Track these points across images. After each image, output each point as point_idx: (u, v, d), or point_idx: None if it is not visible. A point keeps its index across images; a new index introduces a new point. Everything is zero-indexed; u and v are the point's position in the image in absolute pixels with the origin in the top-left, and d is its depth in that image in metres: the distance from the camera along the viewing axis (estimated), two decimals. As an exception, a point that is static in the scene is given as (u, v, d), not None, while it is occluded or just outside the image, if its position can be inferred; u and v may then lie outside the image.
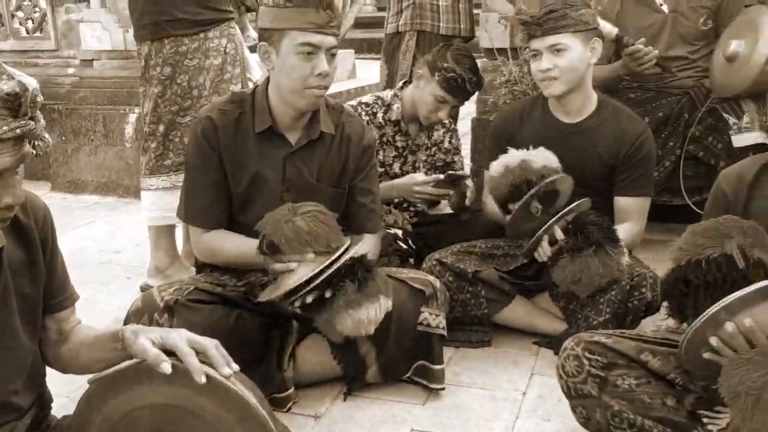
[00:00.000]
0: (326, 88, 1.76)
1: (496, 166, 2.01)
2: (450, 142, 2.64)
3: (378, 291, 1.59)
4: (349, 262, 1.57)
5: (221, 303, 1.80)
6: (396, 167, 2.55)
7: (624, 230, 1.99)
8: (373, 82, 6.22)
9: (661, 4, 2.69)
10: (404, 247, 2.48)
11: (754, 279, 1.17)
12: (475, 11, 3.42)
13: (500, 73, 3.04)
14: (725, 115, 2.52)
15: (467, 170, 2.89)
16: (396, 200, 2.58)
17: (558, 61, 2.04)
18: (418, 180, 2.35)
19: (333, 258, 1.56)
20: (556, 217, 1.91)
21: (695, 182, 2.68)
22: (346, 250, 1.60)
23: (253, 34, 7.36)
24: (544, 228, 1.90)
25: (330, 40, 1.72)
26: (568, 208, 1.92)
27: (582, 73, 2.08)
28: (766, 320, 1.14)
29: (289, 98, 1.77)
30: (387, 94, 2.52)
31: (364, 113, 2.45)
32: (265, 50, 1.76)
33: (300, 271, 1.59)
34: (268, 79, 1.84)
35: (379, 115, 2.47)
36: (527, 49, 2.20)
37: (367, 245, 1.88)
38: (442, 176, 2.35)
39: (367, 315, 1.56)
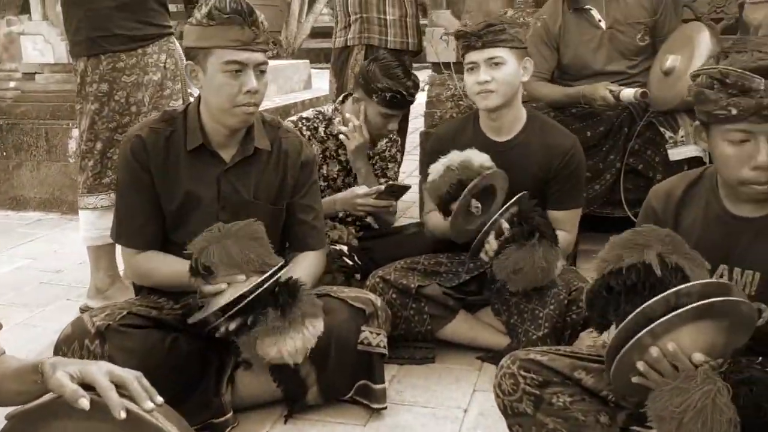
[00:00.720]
0: (256, 104, 1.74)
1: (437, 167, 2.03)
2: (389, 151, 2.66)
3: (304, 316, 1.57)
4: (271, 287, 1.54)
5: (156, 327, 1.76)
6: (340, 181, 2.54)
7: (559, 238, 2.02)
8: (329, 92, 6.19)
9: (599, 20, 2.74)
10: (350, 263, 2.46)
11: (672, 284, 1.18)
12: (423, 22, 3.45)
13: (446, 87, 3.07)
14: (662, 129, 2.58)
15: (406, 181, 2.92)
16: (341, 215, 2.57)
17: (495, 74, 2.06)
18: (360, 192, 2.36)
19: (262, 278, 1.53)
20: (502, 210, 1.95)
21: (636, 195, 2.72)
22: (278, 270, 1.58)
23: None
24: (490, 222, 1.94)
25: (257, 57, 1.70)
26: (511, 201, 1.96)
27: (515, 89, 2.11)
28: (688, 343, 1.16)
29: (219, 116, 1.75)
30: (328, 109, 2.52)
31: (305, 128, 2.44)
32: (191, 69, 1.74)
33: (229, 292, 1.56)
34: (200, 97, 1.82)
35: (321, 129, 2.47)
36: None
37: (304, 265, 1.86)
38: (383, 187, 2.35)
39: (294, 344, 1.54)
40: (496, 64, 2.06)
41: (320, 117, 2.48)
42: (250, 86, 1.69)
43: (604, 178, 2.75)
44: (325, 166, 2.49)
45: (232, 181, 1.83)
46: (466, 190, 1.93)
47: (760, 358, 1.17)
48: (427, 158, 2.28)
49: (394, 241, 2.53)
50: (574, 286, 1.96)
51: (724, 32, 3.01)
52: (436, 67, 3.25)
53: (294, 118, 2.52)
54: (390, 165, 2.67)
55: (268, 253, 1.62)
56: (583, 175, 2.22)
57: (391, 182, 2.42)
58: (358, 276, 2.46)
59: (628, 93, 2.53)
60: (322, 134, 2.47)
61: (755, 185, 1.29)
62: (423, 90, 3.20)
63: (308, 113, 2.54)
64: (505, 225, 1.94)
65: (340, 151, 2.52)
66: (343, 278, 2.31)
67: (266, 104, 6.79)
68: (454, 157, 2.03)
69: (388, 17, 3.26)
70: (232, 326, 1.56)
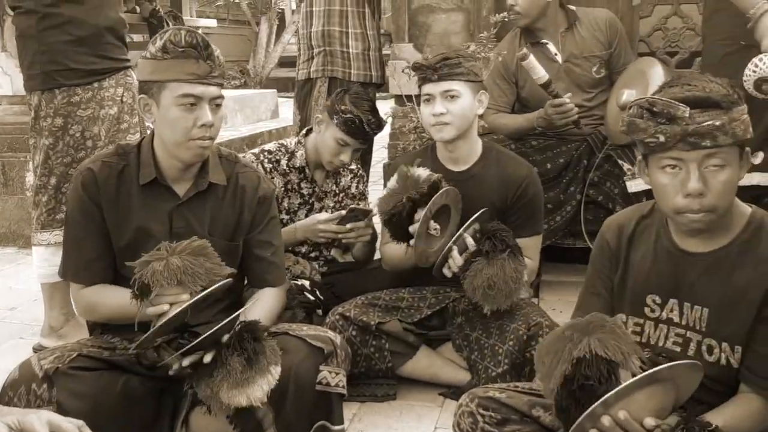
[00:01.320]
0: (211, 138, 1.72)
1: (389, 184, 2.04)
2: (357, 188, 2.64)
3: (269, 363, 1.54)
4: (228, 327, 1.51)
5: (108, 368, 1.70)
6: (302, 214, 2.52)
7: None
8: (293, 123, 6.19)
9: (556, 54, 2.79)
10: (311, 298, 2.43)
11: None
12: (386, 52, 3.47)
13: (409, 119, 3.08)
14: (620, 162, 2.62)
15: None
16: (304, 250, 2.55)
17: (451, 107, 2.09)
18: (322, 218, 2.34)
19: (203, 294, 1.50)
20: (465, 225, 1.94)
21: (596, 226, 2.69)
22: (223, 284, 1.55)
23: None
24: (455, 237, 1.93)
25: (213, 91, 1.69)
26: (473, 217, 1.97)
27: (471, 121, 2.14)
28: (639, 408, 1.18)
29: (173, 150, 1.72)
30: (291, 141, 2.51)
31: (267, 161, 2.42)
32: (145, 103, 1.71)
33: (172, 311, 1.52)
34: (154, 131, 1.79)
35: (283, 162, 2.45)
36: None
37: (263, 302, 1.83)
38: (344, 212, 2.34)
39: (261, 390, 1.51)
40: (452, 96, 2.09)
41: (282, 150, 2.47)
42: (204, 120, 1.68)
43: (564, 209, 2.78)
44: (286, 199, 2.48)
45: (185, 217, 1.80)
46: (425, 210, 1.92)
47: (714, 426, 1.19)
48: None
49: (358, 275, 2.51)
50: (533, 321, 1.96)
51: (678, 66, 3.10)
52: (399, 99, 3.27)
53: (256, 150, 2.50)
54: (362, 204, 2.64)
55: (217, 265, 1.59)
56: (540, 203, 2.24)
57: (352, 206, 2.41)
58: (320, 311, 2.43)
59: (530, 70, 2.58)
60: (285, 167, 2.46)
61: (688, 213, 1.31)
62: (385, 122, 3.22)
63: (270, 146, 2.52)
64: (470, 240, 1.95)
65: (302, 185, 2.50)
66: (304, 314, 2.27)
67: (233, 134, 6.78)
68: (397, 176, 2.03)
69: (351, 50, 3.28)
70: (186, 362, 1.51)
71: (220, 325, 1.50)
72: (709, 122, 1.26)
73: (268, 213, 1.92)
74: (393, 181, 2.05)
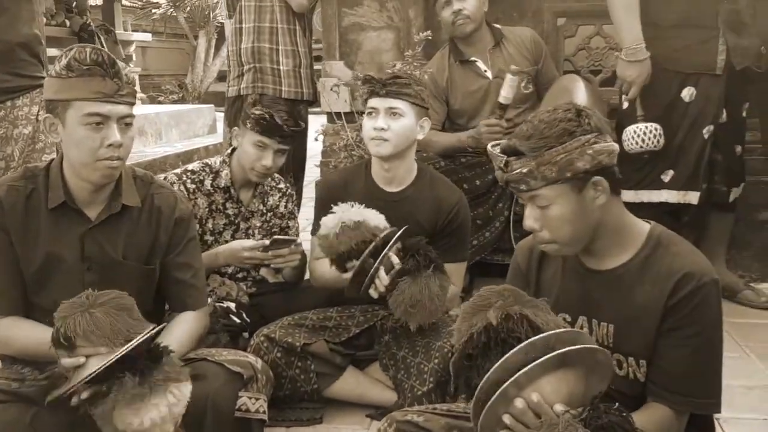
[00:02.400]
0: (120, 158, 1.67)
1: (331, 220, 2.00)
2: (286, 207, 2.60)
3: (167, 380, 1.48)
4: (133, 353, 1.46)
5: (17, 401, 1.63)
6: (227, 235, 2.46)
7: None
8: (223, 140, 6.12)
9: (485, 70, 2.84)
10: (237, 321, 2.38)
11: (521, 334, 1.21)
12: (317, 67, 3.46)
13: (340, 137, 3.07)
14: (545, 178, 2.67)
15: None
16: (231, 270, 2.49)
17: (393, 124, 2.09)
18: (246, 245, 2.29)
19: (126, 348, 1.44)
20: (389, 245, 1.92)
21: (525, 241, 2.80)
22: (146, 336, 1.49)
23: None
24: (379, 258, 1.91)
25: (121, 110, 1.64)
26: (396, 236, 1.95)
27: (409, 143, 2.14)
28: (550, 393, 1.18)
29: (81, 171, 1.66)
30: (215, 161, 2.46)
31: (189, 181, 2.37)
32: (51, 122, 1.65)
33: (91, 364, 1.46)
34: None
35: (207, 182, 2.40)
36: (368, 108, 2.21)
37: (182, 327, 1.78)
38: (267, 242, 2.30)
39: (158, 411, 1.44)
40: (395, 114, 2.10)
41: (207, 170, 2.42)
42: (112, 140, 1.62)
43: (493, 225, 2.81)
44: (211, 220, 2.42)
45: (98, 240, 1.73)
46: (368, 255, 1.91)
47: (617, 404, 1.20)
48: (319, 206, 2.26)
49: (288, 295, 2.46)
50: (457, 339, 1.96)
51: (602, 84, 3.19)
52: (331, 116, 3.26)
53: (179, 170, 2.44)
54: (290, 224, 2.59)
55: (139, 323, 1.53)
56: (468, 231, 2.27)
57: (276, 237, 2.36)
58: (246, 335, 2.38)
59: (504, 91, 2.63)
60: (209, 187, 2.41)
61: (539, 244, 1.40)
62: (317, 140, 3.21)
63: (194, 165, 2.46)
64: (394, 259, 1.93)
65: (227, 205, 2.45)
66: (228, 338, 2.22)
67: (167, 150, 6.65)
68: (349, 213, 2.00)
69: (281, 67, 3.25)
70: (85, 394, 1.45)
71: (121, 351, 1.45)
72: (518, 170, 1.32)
73: (186, 234, 1.86)
74: (334, 220, 2.00)
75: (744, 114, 2.72)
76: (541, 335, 1.19)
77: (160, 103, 12.33)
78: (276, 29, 3.24)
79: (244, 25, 3.29)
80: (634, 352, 1.38)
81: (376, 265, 1.92)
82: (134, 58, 8.50)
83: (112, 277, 1.65)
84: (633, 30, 2.43)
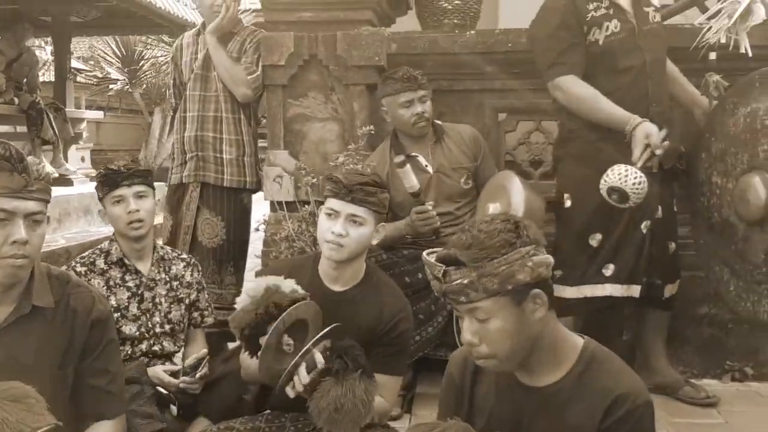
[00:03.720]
0: (26, 256, 1.59)
1: (243, 298, 1.91)
2: (192, 276, 2.55)
3: None
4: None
5: None
6: (133, 308, 2.40)
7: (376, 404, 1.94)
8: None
9: (426, 165, 2.86)
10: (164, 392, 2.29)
11: None
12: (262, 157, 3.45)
13: (282, 227, 3.03)
14: (485, 274, 2.66)
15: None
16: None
17: (352, 231, 2.04)
18: (159, 375, 2.26)
19: None
20: (314, 340, 1.83)
21: (467, 336, 2.76)
22: None
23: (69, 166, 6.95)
24: (301, 352, 1.81)
25: (29, 206, 1.58)
26: (324, 332, 1.86)
27: (364, 248, 2.10)
28: None
29: None
30: (105, 243, 2.45)
31: (79, 265, 2.36)
32: None
33: None
34: None
35: (99, 261, 2.39)
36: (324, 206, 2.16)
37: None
38: (178, 368, 2.30)
39: None
40: (355, 221, 2.05)
41: (97, 251, 2.42)
42: (16, 236, 1.55)
43: (436, 320, 2.77)
44: (112, 297, 2.36)
45: (6, 344, 1.63)
46: (276, 321, 1.81)
47: None
48: None
49: (221, 382, 2.36)
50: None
51: (542, 178, 3.25)
52: (274, 205, 3.23)
53: (72, 263, 2.42)
54: (200, 296, 2.56)
55: (33, 415, 1.41)
56: (407, 344, 2.19)
57: (187, 363, 2.31)
58: (174, 408, 2.28)
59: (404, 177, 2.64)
60: (102, 266, 2.39)
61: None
62: (257, 230, 3.16)
63: (85, 253, 2.45)
64: (318, 357, 1.83)
65: (126, 278, 2.41)
66: (152, 391, 2.16)
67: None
68: (261, 283, 1.93)
69: (225, 156, 3.25)
70: None
71: None
72: (458, 281, 1.30)
73: (104, 337, 1.77)
74: (244, 295, 1.94)
75: (675, 209, 2.80)
76: None
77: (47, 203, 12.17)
78: (220, 118, 3.26)
79: (188, 114, 3.30)
80: None
81: (296, 359, 1.81)
82: (85, 135, 8.42)
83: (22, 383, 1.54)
84: (619, 110, 2.47)
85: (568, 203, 2.61)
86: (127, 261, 2.40)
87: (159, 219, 3.09)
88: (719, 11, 2.46)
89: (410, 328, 2.16)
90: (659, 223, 2.69)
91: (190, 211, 3.25)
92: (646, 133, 2.41)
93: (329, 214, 2.07)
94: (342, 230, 2.03)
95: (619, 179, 2.35)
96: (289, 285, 1.92)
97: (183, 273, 2.52)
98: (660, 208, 2.69)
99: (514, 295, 1.30)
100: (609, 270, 2.61)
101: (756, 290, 2.39)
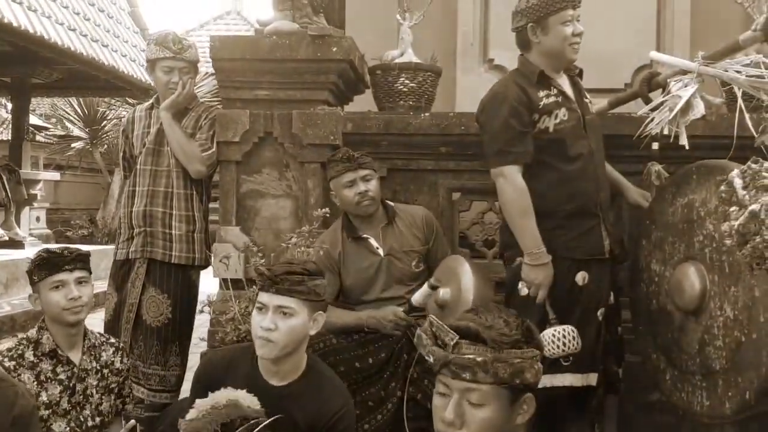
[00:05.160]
0: None
1: (203, 404, 1.83)
2: (122, 362, 2.45)
3: None
4: None
5: None
6: (64, 403, 2.27)
7: None
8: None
9: (377, 248, 2.84)
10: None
11: None
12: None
13: (229, 306, 2.95)
14: (435, 360, 2.61)
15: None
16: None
17: (282, 324, 1.98)
18: None
19: None
20: None
21: (418, 424, 2.66)
22: None
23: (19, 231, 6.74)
24: None
25: None
26: (264, 423, 1.81)
27: (300, 340, 2.04)
28: None
29: None
30: (32, 332, 2.31)
31: (7, 359, 2.22)
32: None
33: None
34: None
35: (28, 354, 2.26)
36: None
37: None
38: None
39: None
40: (285, 313, 1.99)
41: (25, 342, 2.29)
42: None
43: (385, 407, 2.69)
44: (44, 392, 2.24)
45: None
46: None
47: None
48: (196, 383, 2.12)
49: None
50: None
51: (495, 257, 3.24)
52: (222, 283, 3.15)
53: None
54: (125, 382, 2.46)
55: None
56: None
57: None
58: None
59: (417, 295, 2.59)
60: (31, 358, 2.26)
61: None
62: (202, 311, 3.08)
63: (10, 343, 2.34)
64: None
65: (58, 370, 2.28)
66: None
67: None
68: (222, 394, 1.86)
69: (174, 231, 3.18)
70: None
71: None
72: (470, 356, 1.28)
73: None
74: (207, 402, 1.85)
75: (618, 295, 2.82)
76: None
77: (68, 238, 11.91)
78: (171, 194, 3.21)
79: (138, 188, 3.24)
80: None
81: None
82: (40, 196, 8.26)
83: None
84: (532, 235, 2.49)
85: (524, 291, 2.59)
86: (60, 352, 2.28)
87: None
88: (662, 103, 2.53)
89: (352, 424, 2.09)
90: (610, 308, 2.70)
91: (136, 288, 3.15)
92: (546, 274, 2.48)
93: (260, 308, 2.02)
94: (270, 324, 1.97)
95: (558, 347, 2.41)
96: (246, 399, 1.86)
97: (113, 359, 2.42)
98: (612, 293, 2.71)
99: (515, 391, 1.29)
100: (568, 359, 2.59)
101: (690, 381, 2.38)
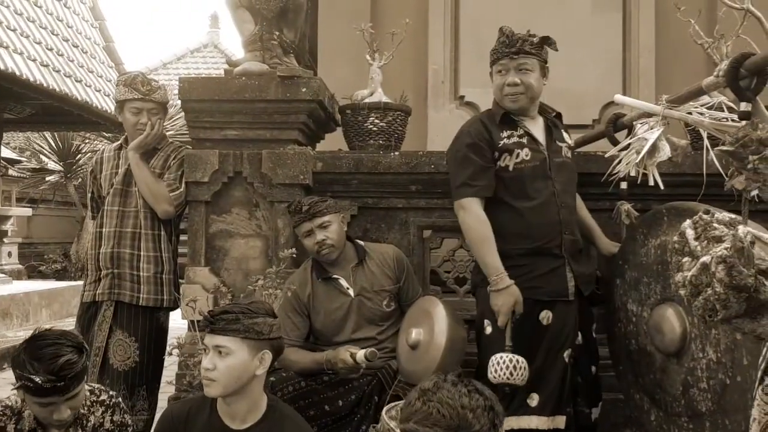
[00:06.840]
0: None
1: None
2: (112, 421, 2.32)
3: None
4: None
5: None
6: None
7: None
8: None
9: (347, 288, 2.82)
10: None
11: None
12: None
13: (197, 349, 2.90)
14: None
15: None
16: None
17: (220, 364, 1.98)
18: None
19: None
20: None
21: (390, 467, 2.64)
22: None
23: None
24: None
25: None
26: None
27: (243, 381, 2.01)
28: None
29: None
30: (16, 400, 2.17)
31: None
32: None
33: None
34: None
35: (10, 428, 2.15)
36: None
37: None
38: None
39: None
40: (221, 353, 1.99)
41: (8, 413, 2.16)
42: None
43: (356, 450, 2.65)
44: None
45: None
46: None
47: None
48: None
49: None
50: None
51: (467, 295, 3.23)
52: (190, 324, 3.10)
53: None
54: None
55: None
56: None
57: None
58: None
59: (360, 354, 2.57)
60: None
61: None
62: (171, 354, 3.02)
63: None
64: None
65: None
66: None
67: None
68: None
69: (142, 273, 3.13)
70: None
71: None
72: None
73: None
74: None
75: (594, 334, 2.80)
76: None
77: (41, 272, 11.71)
78: (139, 234, 3.17)
79: (105, 230, 3.20)
80: None
81: None
82: (11, 232, 8.14)
83: None
84: (494, 261, 2.51)
85: (488, 330, 2.59)
86: (40, 430, 2.15)
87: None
88: (629, 145, 2.56)
89: None
90: (580, 349, 2.69)
91: (102, 331, 3.09)
92: (515, 298, 2.48)
93: (203, 350, 2.05)
94: (209, 364, 1.99)
95: (504, 373, 2.39)
96: None
97: (101, 421, 2.27)
98: (580, 334, 2.70)
99: None
100: (534, 400, 2.57)
101: (676, 422, 2.36)
